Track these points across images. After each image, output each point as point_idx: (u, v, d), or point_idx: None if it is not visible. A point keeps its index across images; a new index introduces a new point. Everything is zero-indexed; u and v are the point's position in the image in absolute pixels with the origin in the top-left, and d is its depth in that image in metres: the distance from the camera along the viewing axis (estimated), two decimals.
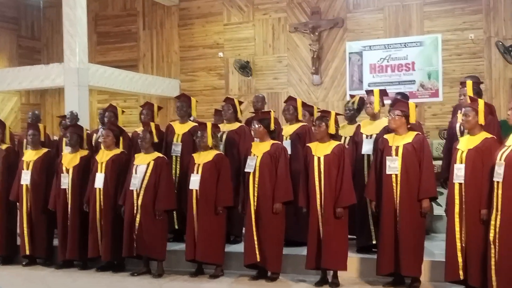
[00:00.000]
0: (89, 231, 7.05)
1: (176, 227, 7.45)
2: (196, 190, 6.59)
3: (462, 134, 6.11)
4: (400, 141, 5.91)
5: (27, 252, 7.46)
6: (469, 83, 6.24)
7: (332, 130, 6.18)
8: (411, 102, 6.24)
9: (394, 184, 5.84)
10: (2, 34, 15.11)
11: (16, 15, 15.62)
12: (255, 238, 6.34)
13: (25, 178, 7.46)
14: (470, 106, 5.60)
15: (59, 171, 7.31)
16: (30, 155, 7.61)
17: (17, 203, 7.63)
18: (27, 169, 7.49)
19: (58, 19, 14.59)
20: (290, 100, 7.50)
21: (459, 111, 6.27)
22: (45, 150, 7.68)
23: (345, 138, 7.08)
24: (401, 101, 6.18)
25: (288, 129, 7.26)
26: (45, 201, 7.40)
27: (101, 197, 7.00)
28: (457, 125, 6.35)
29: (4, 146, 7.80)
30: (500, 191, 5.13)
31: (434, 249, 6.60)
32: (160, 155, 6.96)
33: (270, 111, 6.72)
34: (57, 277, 7.00)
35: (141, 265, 6.95)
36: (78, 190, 7.20)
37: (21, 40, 15.68)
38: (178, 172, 7.42)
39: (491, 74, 12.35)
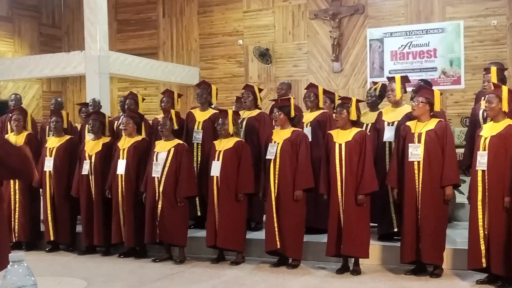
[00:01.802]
0: (112, 217, 7.12)
1: (199, 214, 7.49)
2: (217, 176, 6.61)
3: (485, 121, 6.04)
4: (422, 127, 5.86)
5: (52, 238, 7.55)
6: (494, 69, 6.16)
7: (353, 116, 6.14)
8: (436, 89, 6.18)
9: (416, 171, 5.80)
10: (23, 22, 15.22)
11: (37, 3, 15.70)
12: (276, 225, 6.35)
13: (48, 164, 7.54)
14: (493, 93, 5.54)
15: (81, 158, 7.38)
16: (53, 142, 7.68)
17: (40, 190, 7.73)
18: (50, 155, 7.57)
19: (78, 6, 14.68)
20: (311, 87, 7.49)
21: (482, 98, 6.21)
22: (68, 137, 7.76)
23: (367, 125, 7.04)
24: (425, 88, 6.12)
25: (309, 116, 7.25)
26: (68, 188, 7.48)
27: (123, 183, 7.05)
28: (480, 112, 6.28)
29: (26, 133, 7.87)
30: None
31: (457, 237, 6.57)
32: (181, 142, 6.99)
33: (290, 98, 6.71)
34: (80, 262, 7.08)
35: (163, 251, 7.00)
36: (100, 177, 7.27)
37: (42, 28, 15.77)
38: (199, 159, 7.45)
39: None
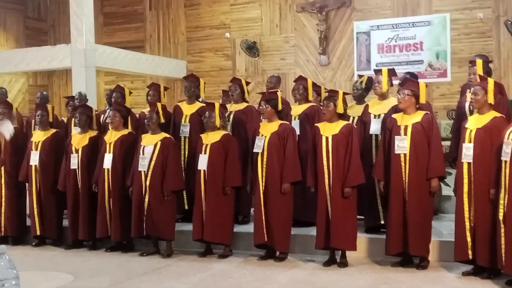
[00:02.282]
0: (98, 211, 7.09)
1: (186, 207, 7.47)
2: (204, 170, 6.60)
3: (471, 113, 6.07)
4: (408, 120, 5.88)
5: (38, 233, 7.51)
6: (479, 61, 6.18)
7: (340, 109, 6.15)
8: (421, 81, 6.20)
9: (402, 164, 5.83)
10: (9, 15, 15.10)
11: None
12: (264, 218, 6.36)
13: (34, 158, 7.48)
14: (479, 85, 5.56)
15: (68, 152, 7.33)
16: (38, 136, 7.63)
17: (26, 184, 7.68)
18: (36, 149, 7.51)
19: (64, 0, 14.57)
20: (301, 79, 7.48)
21: (468, 90, 6.23)
22: (53, 130, 7.70)
23: (353, 118, 7.05)
24: (411, 80, 6.14)
25: (297, 109, 7.24)
26: (54, 182, 7.44)
27: (110, 177, 7.02)
28: (467, 104, 6.31)
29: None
30: (508, 170, 5.13)
31: (443, 229, 6.60)
32: (167, 135, 6.97)
33: (277, 91, 6.71)
34: (67, 257, 7.05)
35: (150, 245, 6.98)
36: (87, 171, 7.23)
37: (28, 21, 15.65)
38: (186, 152, 7.43)
39: (499, 53, 12.26)
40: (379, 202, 6.54)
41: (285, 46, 13.93)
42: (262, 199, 6.38)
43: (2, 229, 7.62)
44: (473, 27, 12.49)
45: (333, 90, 6.46)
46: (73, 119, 8.03)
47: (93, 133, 7.45)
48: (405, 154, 5.82)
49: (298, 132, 6.83)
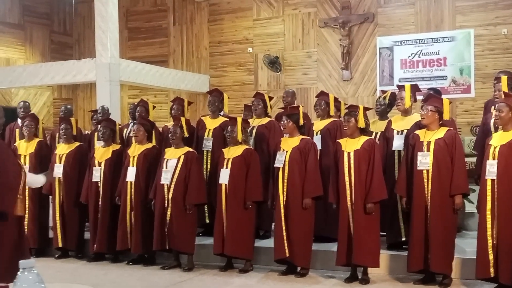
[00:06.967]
0: (119, 224, 7.14)
1: (207, 221, 7.49)
2: (226, 184, 6.62)
3: (496, 130, 6.02)
4: (431, 136, 5.85)
5: (60, 244, 7.57)
6: (504, 78, 6.14)
7: (361, 124, 6.13)
8: (445, 97, 6.17)
9: (425, 180, 5.78)
10: (35, 30, 15.34)
11: (49, 11, 15.84)
12: (284, 233, 6.34)
13: (58, 171, 7.57)
14: (504, 102, 5.52)
15: (91, 165, 7.41)
16: (62, 149, 7.73)
17: (49, 197, 7.76)
18: (60, 162, 7.60)
19: (89, 14, 14.77)
20: (322, 95, 7.48)
21: (493, 107, 6.19)
22: (77, 144, 7.80)
23: (376, 133, 7.02)
24: (434, 97, 6.11)
25: (319, 125, 7.24)
26: (77, 194, 7.52)
27: (132, 190, 7.07)
28: (492, 121, 6.26)
29: (37, 140, 7.92)
30: None
31: (466, 246, 6.53)
32: (190, 149, 7.01)
33: (299, 106, 6.71)
34: (88, 269, 7.10)
35: (171, 259, 7.01)
36: (109, 184, 7.30)
37: (54, 36, 15.89)
38: (209, 166, 7.46)
39: None
40: (400, 218, 6.48)
41: (308, 61, 13.94)
42: (283, 214, 6.37)
43: None
44: (497, 43, 12.40)
45: (353, 105, 6.45)
46: (96, 132, 8.11)
47: (116, 146, 7.52)
48: (427, 171, 5.79)
49: (320, 147, 6.82)
